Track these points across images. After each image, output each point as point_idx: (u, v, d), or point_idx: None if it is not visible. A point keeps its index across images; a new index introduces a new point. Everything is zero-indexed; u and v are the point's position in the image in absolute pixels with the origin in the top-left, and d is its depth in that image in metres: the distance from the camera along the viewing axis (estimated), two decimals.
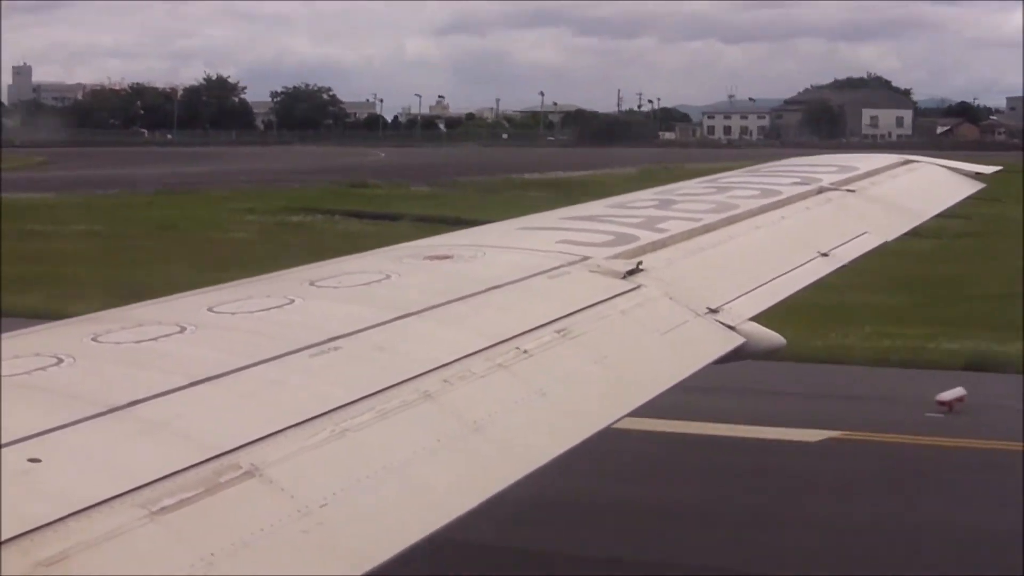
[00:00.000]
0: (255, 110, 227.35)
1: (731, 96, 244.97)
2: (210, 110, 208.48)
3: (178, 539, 2.79)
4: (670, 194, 8.30)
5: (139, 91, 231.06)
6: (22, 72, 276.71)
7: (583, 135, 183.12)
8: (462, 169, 74.92)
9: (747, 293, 5.80)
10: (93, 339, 3.99)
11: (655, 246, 6.11)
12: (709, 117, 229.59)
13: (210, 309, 4.44)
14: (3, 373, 3.48)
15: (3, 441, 2.91)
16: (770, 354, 5.49)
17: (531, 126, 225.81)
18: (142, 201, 54.36)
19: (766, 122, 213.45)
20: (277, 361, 3.81)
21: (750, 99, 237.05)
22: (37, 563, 2.54)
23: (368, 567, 2.96)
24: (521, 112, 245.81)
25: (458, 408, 3.81)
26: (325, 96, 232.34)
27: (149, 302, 4.76)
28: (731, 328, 5.26)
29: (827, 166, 9.67)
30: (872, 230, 7.61)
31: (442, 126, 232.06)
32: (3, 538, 2.54)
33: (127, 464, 3.00)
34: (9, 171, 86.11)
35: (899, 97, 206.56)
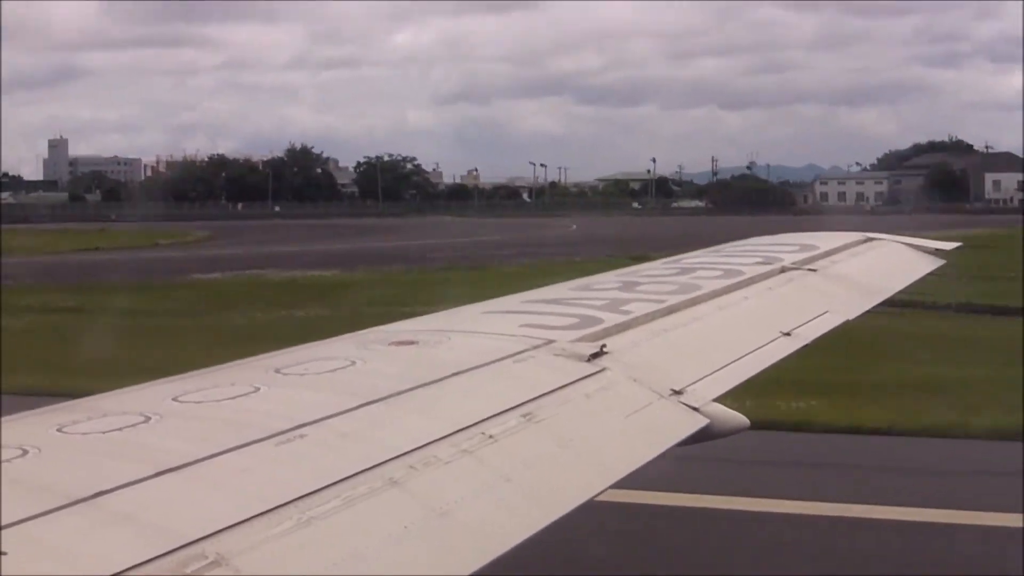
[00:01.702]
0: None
1: (752, 164, 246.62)
2: (297, 181, 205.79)
3: None
4: (634, 275, 8.37)
5: (221, 163, 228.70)
6: (58, 145, 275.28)
7: (721, 202, 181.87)
8: (684, 240, 71.94)
9: (711, 374, 5.83)
10: (58, 430, 3.99)
11: (619, 328, 6.15)
12: (822, 183, 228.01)
13: (175, 399, 4.44)
14: None
15: None
16: (734, 434, 5.52)
17: (613, 194, 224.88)
18: (440, 278, 53.13)
19: (883, 188, 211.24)
20: (243, 450, 3.82)
21: (856, 164, 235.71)
22: None
23: None
24: (601, 180, 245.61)
25: (424, 494, 3.82)
26: (409, 166, 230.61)
27: (113, 392, 4.77)
28: (695, 409, 5.29)
29: (788, 245, 9.76)
30: (833, 309, 7.68)
31: (526, 196, 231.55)
32: None
33: (94, 555, 3.00)
34: (188, 247, 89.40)
35: (1015, 161, 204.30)
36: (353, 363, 5.10)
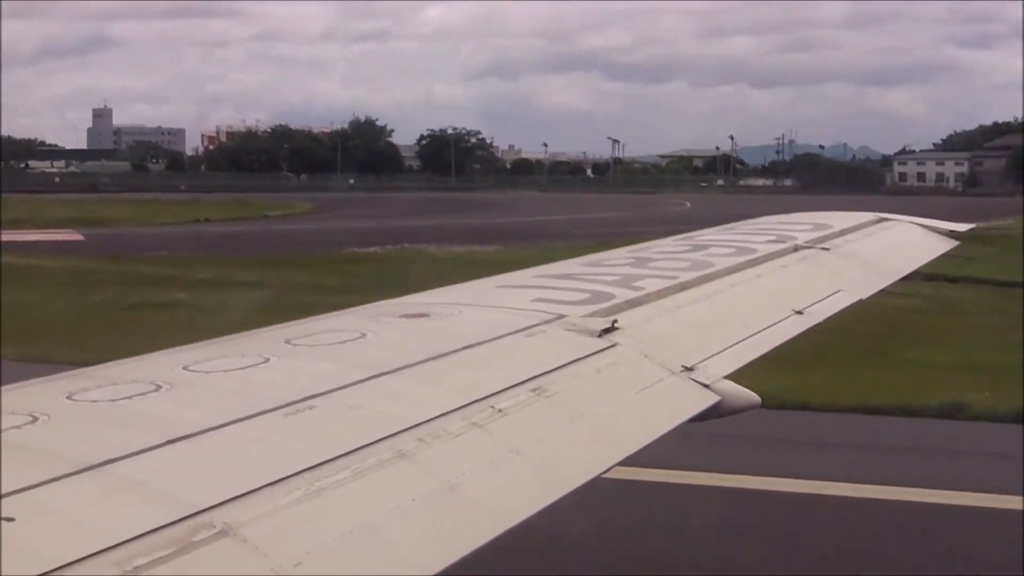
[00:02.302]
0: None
1: (791, 140, 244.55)
2: (360, 154, 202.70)
3: None
4: (646, 252, 8.35)
5: (284, 134, 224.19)
6: (103, 115, 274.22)
7: (810, 181, 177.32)
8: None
9: (723, 351, 5.82)
10: (68, 397, 4.00)
11: (631, 304, 6.13)
12: (901, 163, 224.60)
13: (185, 368, 4.44)
14: None
15: None
16: (745, 412, 5.51)
17: (678, 172, 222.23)
18: None
19: (964, 168, 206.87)
20: (252, 420, 3.82)
21: (934, 144, 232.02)
22: None
23: None
24: (664, 157, 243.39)
25: (433, 467, 3.82)
26: (473, 140, 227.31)
27: (124, 361, 4.77)
28: (706, 386, 5.28)
29: (802, 224, 9.73)
30: (846, 288, 7.66)
31: (589, 172, 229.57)
32: None
33: (102, 523, 3.00)
34: (301, 219, 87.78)
35: None
36: (364, 335, 5.10)
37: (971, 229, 11.08)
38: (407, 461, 3.78)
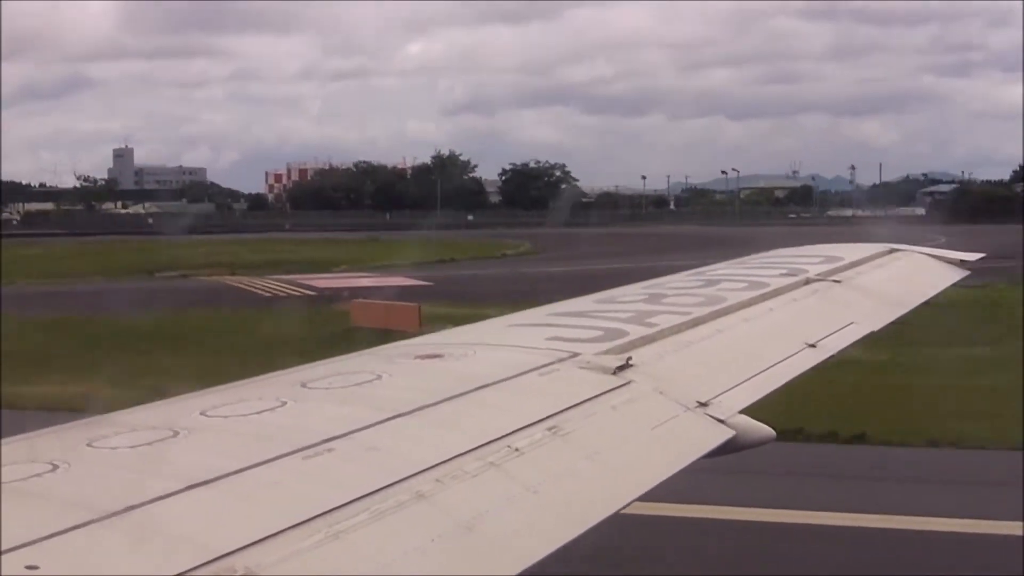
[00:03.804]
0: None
1: (795, 172, 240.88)
2: (446, 188, 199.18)
3: None
4: (659, 288, 8.37)
5: (368, 170, 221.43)
6: (124, 155, 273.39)
7: (954, 211, 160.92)
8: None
9: (737, 386, 5.83)
10: (88, 445, 4.02)
11: (644, 341, 6.15)
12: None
13: (203, 413, 4.47)
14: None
15: (2, 548, 2.94)
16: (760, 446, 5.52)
17: (760, 203, 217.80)
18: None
19: None
20: (271, 464, 3.84)
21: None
22: None
23: None
24: (744, 189, 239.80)
25: (451, 508, 3.83)
26: (558, 173, 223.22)
27: (142, 407, 4.79)
28: (721, 421, 5.29)
29: (813, 257, 9.74)
30: (858, 320, 7.67)
31: (672, 204, 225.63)
32: None
33: (124, 570, 3.02)
34: (543, 259, 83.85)
35: None
36: (379, 377, 5.12)
37: (981, 259, 11.08)
38: (425, 502, 3.80)
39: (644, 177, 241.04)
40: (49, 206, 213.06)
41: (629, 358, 5.65)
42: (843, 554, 14.73)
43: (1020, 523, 16.18)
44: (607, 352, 5.79)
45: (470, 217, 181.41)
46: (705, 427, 5.24)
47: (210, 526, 3.36)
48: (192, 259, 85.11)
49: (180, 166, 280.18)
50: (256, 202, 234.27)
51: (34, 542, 3.03)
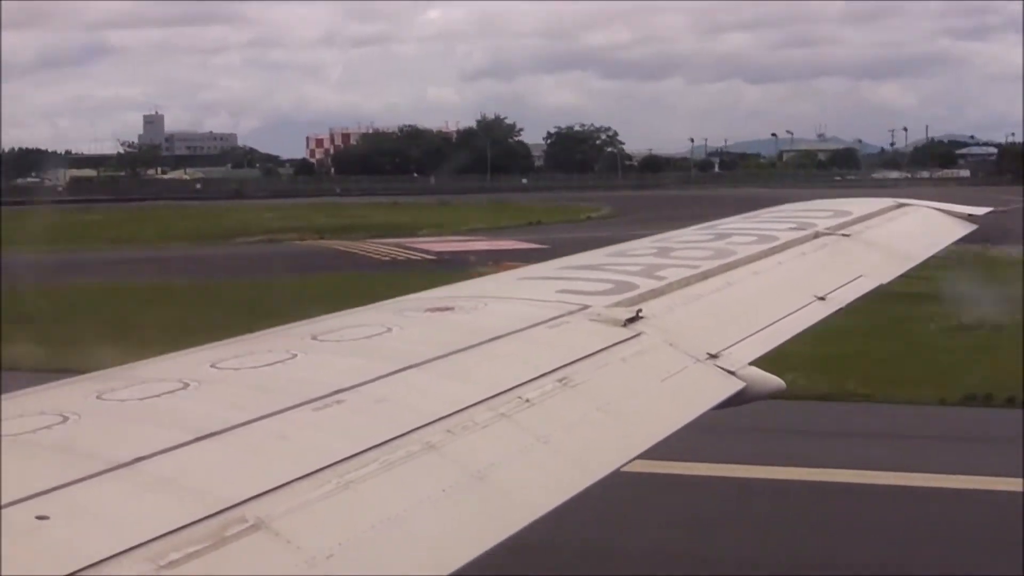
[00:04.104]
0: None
1: (820, 135, 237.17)
2: (492, 152, 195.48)
3: None
4: (668, 242, 8.34)
5: (413, 134, 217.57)
6: (154, 121, 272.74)
7: (998, 173, 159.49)
8: None
9: (746, 338, 5.82)
10: (97, 397, 4.02)
11: (654, 294, 6.14)
12: None
13: (213, 365, 4.46)
14: (10, 432, 3.50)
15: (12, 499, 2.94)
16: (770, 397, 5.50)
17: (805, 165, 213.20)
18: None
19: None
20: (281, 415, 3.83)
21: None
22: None
23: None
24: (785, 151, 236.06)
25: (461, 458, 3.83)
26: (604, 136, 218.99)
27: (152, 360, 4.79)
28: (731, 373, 5.28)
29: (822, 211, 9.71)
30: (867, 273, 7.65)
31: (717, 167, 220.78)
32: None
33: (134, 520, 3.01)
34: (623, 222, 79.85)
35: None
36: (389, 329, 5.11)
37: (989, 212, 11.04)
38: (436, 453, 3.79)
39: (692, 140, 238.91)
40: (90, 172, 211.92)
41: (639, 310, 5.64)
42: None
43: None
44: (617, 305, 5.77)
45: (524, 180, 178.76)
46: (715, 378, 5.24)
47: (219, 477, 3.35)
48: (264, 224, 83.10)
49: (211, 132, 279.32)
50: (302, 167, 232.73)
51: (44, 492, 3.03)
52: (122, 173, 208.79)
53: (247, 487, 3.26)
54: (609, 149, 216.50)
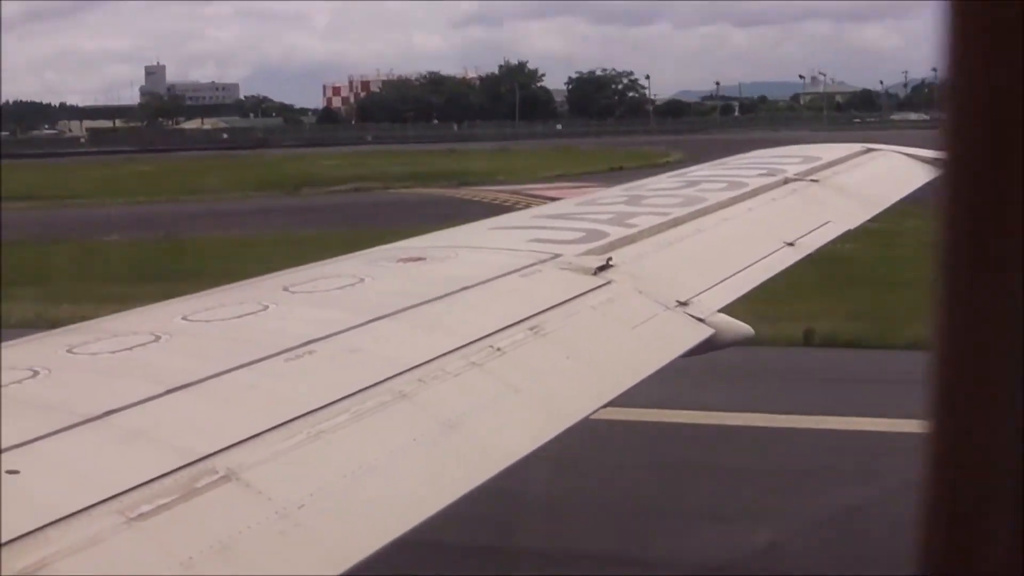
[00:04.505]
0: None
1: (821, 75, 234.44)
2: (513, 98, 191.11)
3: (156, 544, 2.82)
4: (639, 190, 8.35)
5: (436, 81, 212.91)
6: (156, 72, 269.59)
7: None
8: None
9: (716, 285, 5.85)
10: (68, 351, 4.02)
11: (624, 241, 6.16)
12: None
13: (184, 318, 4.46)
14: None
15: None
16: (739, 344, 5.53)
17: (821, 108, 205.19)
18: None
19: None
20: (252, 366, 3.84)
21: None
22: (15, 573, 2.57)
23: (346, 566, 2.99)
24: (806, 94, 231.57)
25: (433, 407, 3.85)
26: (625, 81, 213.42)
27: (123, 313, 4.79)
28: (700, 320, 5.31)
29: (792, 157, 9.75)
30: (835, 219, 7.69)
31: (736, 111, 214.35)
32: None
33: (104, 472, 3.02)
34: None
35: None
36: (361, 280, 5.12)
37: None
38: (407, 402, 3.81)
39: (718, 83, 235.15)
40: (106, 124, 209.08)
41: (609, 259, 5.66)
42: None
43: None
44: (588, 253, 5.79)
45: (559, 127, 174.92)
46: (685, 326, 5.26)
47: (190, 429, 3.36)
48: (327, 173, 78.64)
49: (213, 82, 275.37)
50: (325, 115, 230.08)
51: (15, 447, 3.03)
52: (142, 124, 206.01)
53: (218, 439, 3.27)
54: (631, 94, 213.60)
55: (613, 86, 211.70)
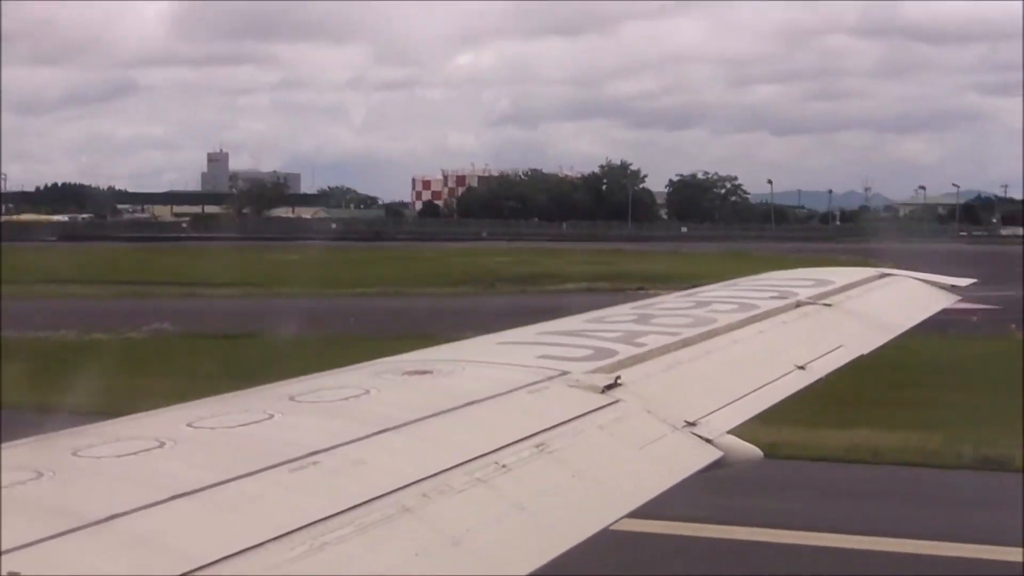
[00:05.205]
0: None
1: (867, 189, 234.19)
2: (614, 198, 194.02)
3: None
4: (649, 308, 8.36)
5: (539, 179, 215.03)
6: (219, 159, 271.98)
7: None
8: None
9: (725, 406, 5.83)
10: (73, 454, 4.01)
11: (633, 360, 6.15)
12: None
13: (189, 424, 4.46)
14: None
15: None
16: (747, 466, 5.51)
17: (923, 219, 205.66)
18: None
19: None
20: (256, 476, 3.83)
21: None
22: None
23: None
24: (904, 205, 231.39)
25: (437, 522, 3.83)
26: (728, 185, 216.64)
27: (128, 417, 4.78)
28: (708, 441, 5.29)
29: (804, 280, 9.76)
30: (847, 344, 7.68)
31: (838, 221, 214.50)
32: None
33: None
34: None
35: None
36: (367, 392, 5.11)
37: (972, 284, 11.10)
38: (411, 516, 3.79)
39: (831, 191, 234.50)
40: (214, 209, 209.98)
41: (618, 377, 5.65)
42: None
43: None
44: (596, 371, 5.78)
45: (684, 229, 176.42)
46: (693, 447, 5.24)
47: (193, 536, 3.35)
48: (499, 268, 79.35)
49: (274, 171, 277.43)
50: (427, 208, 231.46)
51: (17, 548, 3.02)
52: (243, 210, 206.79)
53: (221, 547, 3.25)
54: (733, 199, 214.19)
55: (715, 190, 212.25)
